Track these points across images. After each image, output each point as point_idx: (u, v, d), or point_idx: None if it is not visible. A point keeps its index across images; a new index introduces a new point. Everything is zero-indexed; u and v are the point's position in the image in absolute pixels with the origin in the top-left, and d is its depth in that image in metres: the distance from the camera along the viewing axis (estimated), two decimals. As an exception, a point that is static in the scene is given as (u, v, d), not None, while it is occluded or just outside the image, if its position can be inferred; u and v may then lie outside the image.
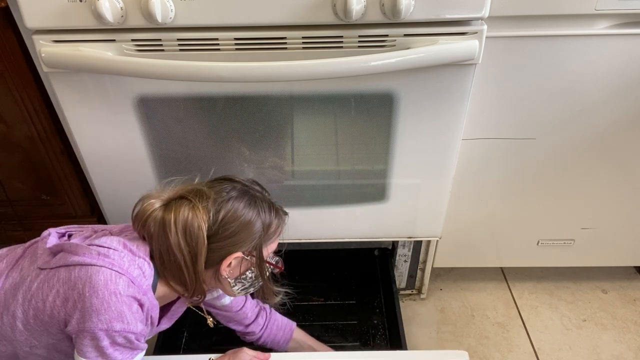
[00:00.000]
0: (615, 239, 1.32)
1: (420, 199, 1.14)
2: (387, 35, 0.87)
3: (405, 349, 1.17)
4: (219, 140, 1.04)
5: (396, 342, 1.20)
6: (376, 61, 0.86)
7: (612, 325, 1.39)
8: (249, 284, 0.90)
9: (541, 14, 0.92)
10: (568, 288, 1.50)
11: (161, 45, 0.88)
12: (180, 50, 0.88)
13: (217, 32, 0.86)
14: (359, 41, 0.87)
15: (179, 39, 0.87)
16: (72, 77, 0.93)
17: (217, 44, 0.87)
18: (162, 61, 0.86)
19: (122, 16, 0.83)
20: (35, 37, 0.87)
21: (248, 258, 0.85)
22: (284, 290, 0.98)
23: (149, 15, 0.81)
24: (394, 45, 0.88)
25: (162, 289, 0.84)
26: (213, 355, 1.01)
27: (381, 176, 1.10)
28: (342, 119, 1.01)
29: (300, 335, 1.17)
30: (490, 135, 1.11)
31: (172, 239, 0.78)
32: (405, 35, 0.87)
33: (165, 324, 0.93)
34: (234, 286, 0.88)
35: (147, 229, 0.80)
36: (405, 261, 1.41)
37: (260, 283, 0.92)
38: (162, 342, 1.22)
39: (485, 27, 0.87)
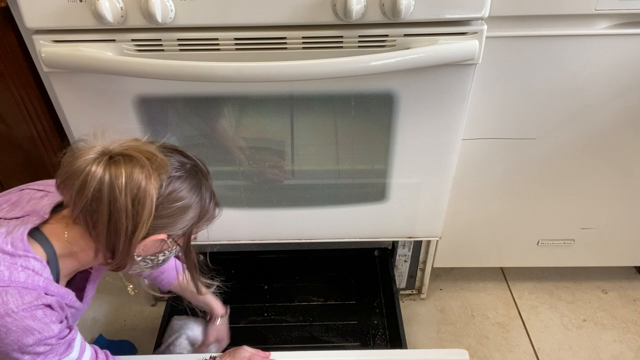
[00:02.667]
0: (615, 239, 1.32)
1: (420, 198, 1.14)
2: (387, 35, 0.87)
3: (406, 348, 1.17)
4: (218, 140, 1.04)
5: (396, 342, 1.20)
6: (376, 61, 0.86)
7: (612, 325, 1.39)
8: (154, 265, 0.81)
9: (541, 14, 0.92)
10: (568, 288, 1.50)
11: (161, 45, 0.88)
12: (180, 50, 0.88)
13: (217, 32, 0.86)
14: (359, 41, 0.87)
15: (179, 39, 0.87)
16: (72, 77, 0.93)
17: (217, 44, 0.87)
18: (162, 61, 0.86)
19: (122, 16, 0.83)
20: (35, 37, 0.87)
21: (169, 242, 0.76)
22: (212, 282, 0.91)
23: (149, 15, 0.81)
24: (394, 45, 0.88)
25: (70, 264, 0.75)
26: (213, 354, 1.01)
27: (381, 176, 1.10)
28: (342, 119, 1.01)
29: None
30: (490, 135, 1.11)
31: (121, 202, 0.66)
32: (405, 35, 0.87)
33: (92, 289, 0.85)
34: (141, 262, 0.78)
35: (81, 188, 0.67)
36: (405, 261, 1.41)
37: (182, 260, 0.85)
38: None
39: (485, 27, 0.87)
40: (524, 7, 0.91)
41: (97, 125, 0.74)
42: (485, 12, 0.85)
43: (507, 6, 0.90)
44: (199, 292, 0.90)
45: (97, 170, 0.66)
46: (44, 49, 0.87)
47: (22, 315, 0.66)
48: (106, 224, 0.68)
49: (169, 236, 0.75)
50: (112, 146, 0.70)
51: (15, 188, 0.81)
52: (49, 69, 0.90)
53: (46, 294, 0.69)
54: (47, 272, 0.70)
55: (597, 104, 1.05)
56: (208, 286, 0.91)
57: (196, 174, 0.76)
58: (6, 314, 0.65)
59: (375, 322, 1.31)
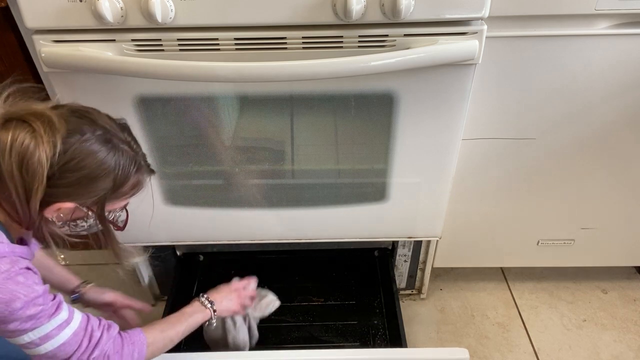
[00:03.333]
0: (615, 239, 1.32)
1: (420, 198, 1.14)
2: (387, 35, 0.87)
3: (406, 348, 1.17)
4: (218, 139, 1.04)
5: (396, 342, 1.20)
6: (376, 61, 0.86)
7: (612, 325, 1.39)
8: (81, 230, 0.78)
9: (541, 14, 0.92)
10: (568, 288, 1.50)
11: (161, 45, 0.88)
12: (180, 50, 0.88)
13: (217, 32, 0.86)
14: (359, 41, 0.87)
15: (179, 39, 0.87)
16: (72, 77, 0.93)
17: (217, 44, 0.87)
18: (162, 61, 0.86)
19: (122, 16, 0.83)
20: (35, 37, 0.87)
21: (84, 210, 0.74)
22: (134, 249, 0.86)
23: (149, 15, 0.81)
24: (394, 45, 0.88)
25: (14, 227, 0.73)
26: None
27: (381, 176, 1.10)
28: (342, 118, 1.01)
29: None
30: (490, 135, 1.11)
31: (5, 166, 0.65)
32: (405, 35, 0.87)
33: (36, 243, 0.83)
34: (61, 227, 0.76)
35: None
36: (405, 261, 1.41)
37: (98, 229, 0.79)
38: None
39: (485, 27, 0.87)
40: (524, 7, 0.91)
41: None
42: (485, 12, 0.85)
43: (507, 6, 0.90)
44: (119, 260, 0.84)
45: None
46: (44, 49, 0.87)
47: (4, 284, 0.66)
48: None
49: (79, 204, 0.72)
50: (11, 110, 0.68)
51: None
52: (49, 69, 0.90)
53: (20, 257, 0.69)
54: (3, 237, 0.70)
55: (597, 104, 1.05)
56: (129, 254, 0.86)
57: (107, 141, 0.72)
58: None
59: (375, 322, 1.31)
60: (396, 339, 1.21)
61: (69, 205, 0.71)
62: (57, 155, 0.66)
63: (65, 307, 0.75)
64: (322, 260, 1.47)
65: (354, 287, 1.41)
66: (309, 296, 1.38)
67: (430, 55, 0.87)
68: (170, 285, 1.36)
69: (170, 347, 0.89)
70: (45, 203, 0.69)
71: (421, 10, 0.83)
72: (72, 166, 0.69)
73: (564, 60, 0.98)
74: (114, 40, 0.87)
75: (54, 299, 0.73)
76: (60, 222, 0.74)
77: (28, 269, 0.70)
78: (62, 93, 0.95)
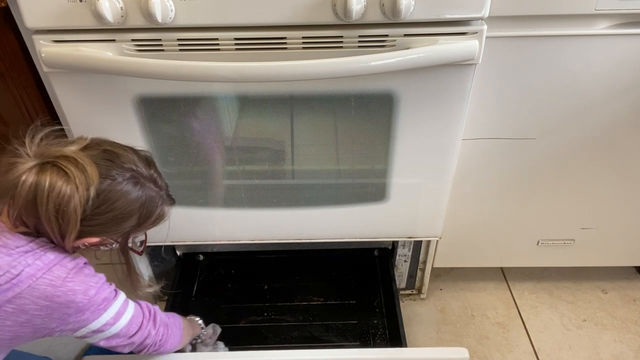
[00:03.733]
0: (615, 239, 1.32)
1: (420, 199, 1.14)
2: (387, 35, 0.87)
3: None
4: (218, 139, 1.04)
5: (396, 341, 1.20)
6: (376, 61, 0.86)
7: (612, 325, 1.39)
8: (104, 251, 0.85)
9: (541, 14, 0.92)
10: (568, 288, 1.50)
11: (161, 45, 0.88)
12: (180, 50, 0.88)
13: (217, 32, 0.86)
14: (359, 41, 0.87)
15: (179, 39, 0.87)
16: (72, 77, 0.93)
17: (217, 44, 0.87)
18: (162, 61, 0.86)
19: (122, 16, 0.83)
20: (35, 37, 0.87)
21: (110, 241, 0.81)
22: (150, 281, 0.95)
23: (149, 15, 0.81)
24: (394, 45, 0.88)
25: None
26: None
27: (381, 176, 1.10)
28: (342, 118, 1.01)
29: None
30: (490, 135, 1.11)
31: (42, 212, 0.70)
32: (405, 35, 0.87)
33: None
34: (84, 250, 0.82)
35: (16, 196, 0.70)
36: (405, 261, 1.41)
37: (119, 256, 0.87)
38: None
39: (485, 27, 0.87)
40: (524, 7, 0.91)
41: (37, 129, 0.76)
42: (485, 12, 0.85)
43: (507, 6, 0.90)
44: (134, 289, 0.91)
45: (28, 178, 0.69)
46: (44, 49, 0.87)
47: (76, 276, 0.75)
48: (35, 228, 0.73)
49: (106, 238, 0.79)
50: (46, 153, 0.72)
51: None
52: (49, 69, 0.90)
53: (66, 261, 0.76)
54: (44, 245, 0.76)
55: (597, 104, 1.05)
56: (147, 286, 0.95)
57: (136, 183, 0.77)
58: (66, 281, 0.73)
59: (375, 321, 1.31)
60: (396, 338, 1.21)
61: (96, 239, 0.78)
62: (90, 201, 0.72)
63: (120, 291, 0.84)
64: (322, 260, 1.47)
65: (354, 287, 1.41)
66: (309, 296, 1.38)
67: (430, 55, 0.87)
68: (170, 285, 1.36)
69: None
70: (76, 238, 0.75)
71: (421, 10, 0.83)
72: (102, 210, 0.74)
73: (564, 60, 0.98)
74: (114, 40, 0.87)
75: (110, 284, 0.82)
76: (84, 248, 0.81)
77: (85, 263, 0.79)
78: (62, 93, 0.95)
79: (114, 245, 0.82)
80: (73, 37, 0.87)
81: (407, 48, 0.87)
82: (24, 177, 0.69)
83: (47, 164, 0.71)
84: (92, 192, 0.71)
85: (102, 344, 0.83)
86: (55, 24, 0.84)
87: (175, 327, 0.96)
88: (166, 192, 0.84)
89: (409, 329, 1.36)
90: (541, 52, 0.97)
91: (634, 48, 0.97)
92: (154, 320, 0.90)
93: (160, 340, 0.91)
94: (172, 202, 0.86)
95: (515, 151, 1.13)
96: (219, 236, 1.22)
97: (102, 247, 0.82)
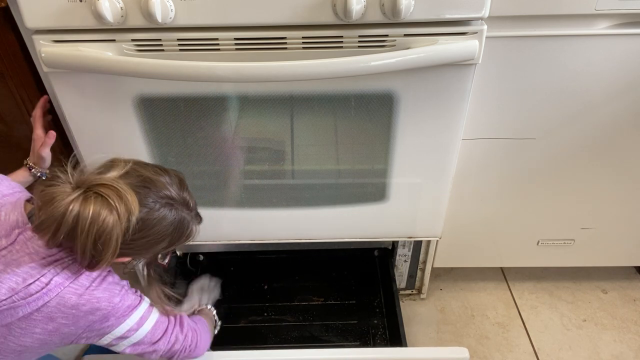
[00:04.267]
0: (615, 239, 1.32)
1: (420, 199, 1.14)
2: (387, 35, 0.87)
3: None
4: (218, 140, 1.04)
5: (396, 341, 1.20)
6: (376, 61, 0.86)
7: (612, 325, 1.39)
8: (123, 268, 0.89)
9: (541, 14, 0.92)
10: (568, 288, 1.50)
11: (161, 45, 0.88)
12: (180, 50, 0.88)
13: (217, 32, 0.86)
14: (359, 41, 0.87)
15: (179, 39, 0.87)
16: (72, 77, 0.93)
17: (217, 44, 0.87)
18: (162, 61, 0.86)
19: (122, 16, 0.83)
20: (35, 37, 0.87)
21: (139, 258, 0.84)
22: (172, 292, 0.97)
23: (149, 15, 0.81)
24: (394, 45, 0.88)
25: None
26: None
27: (381, 176, 1.10)
28: (342, 118, 1.01)
29: None
30: (490, 135, 1.11)
31: (81, 239, 0.69)
32: (405, 35, 0.87)
33: None
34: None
35: (57, 225, 0.69)
36: (405, 261, 1.41)
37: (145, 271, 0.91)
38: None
39: (485, 27, 0.87)
40: (524, 7, 0.91)
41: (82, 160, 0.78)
42: (485, 12, 0.85)
43: (507, 6, 0.90)
44: (155, 302, 0.91)
45: (73, 208, 0.68)
46: (44, 49, 0.87)
47: (100, 285, 0.76)
48: (70, 251, 0.74)
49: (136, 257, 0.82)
50: (88, 181, 0.71)
51: None
52: (49, 69, 0.90)
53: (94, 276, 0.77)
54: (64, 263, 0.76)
55: (597, 104, 1.05)
56: (169, 298, 0.96)
57: (170, 208, 0.78)
58: (90, 289, 0.75)
59: (375, 321, 1.31)
60: (396, 338, 1.21)
61: (127, 259, 0.80)
62: (130, 230, 0.72)
63: (144, 302, 0.84)
64: (322, 260, 1.47)
65: (354, 287, 1.41)
66: (309, 296, 1.38)
67: (430, 55, 0.87)
68: (170, 285, 1.36)
69: None
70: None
71: (421, 10, 0.83)
72: (139, 236, 0.75)
73: (564, 60, 0.98)
74: (114, 40, 0.87)
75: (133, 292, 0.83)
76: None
77: (109, 271, 0.80)
78: (62, 93, 0.95)
79: (141, 262, 0.85)
80: (73, 37, 0.87)
81: (407, 48, 0.87)
82: (69, 207, 0.68)
83: (90, 192, 0.70)
84: (133, 220, 0.72)
85: (129, 351, 0.84)
86: (55, 24, 0.84)
87: (204, 331, 0.96)
88: (195, 212, 0.86)
89: (409, 329, 1.36)
90: (541, 52, 0.97)
91: (634, 48, 0.97)
92: (181, 326, 0.90)
93: (189, 346, 0.91)
94: (200, 220, 0.87)
95: (515, 151, 1.13)
96: (219, 236, 1.22)
97: (129, 265, 0.84)
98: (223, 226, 1.19)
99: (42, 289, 0.72)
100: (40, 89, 1.01)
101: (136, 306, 0.82)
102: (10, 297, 0.71)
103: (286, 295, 1.39)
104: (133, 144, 1.02)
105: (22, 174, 0.96)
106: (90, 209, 0.68)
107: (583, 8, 0.91)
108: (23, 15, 0.83)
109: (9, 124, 1.06)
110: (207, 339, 0.97)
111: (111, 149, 1.03)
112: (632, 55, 0.98)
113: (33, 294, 0.72)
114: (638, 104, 1.06)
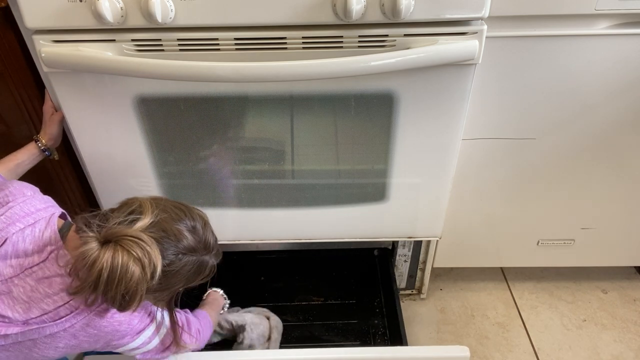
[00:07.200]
0: (615, 239, 1.32)
1: (420, 199, 1.14)
2: (387, 35, 0.87)
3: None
4: (218, 140, 1.04)
5: (397, 341, 1.20)
6: (376, 61, 0.86)
7: (612, 325, 1.39)
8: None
9: (541, 14, 0.92)
10: (568, 288, 1.50)
11: (161, 45, 0.88)
12: (180, 50, 0.88)
13: (217, 32, 0.86)
14: (359, 41, 0.87)
15: (179, 39, 0.87)
16: (72, 77, 0.93)
17: (217, 44, 0.87)
18: (162, 61, 0.86)
19: (122, 16, 0.83)
20: (35, 37, 0.87)
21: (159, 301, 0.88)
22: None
23: (149, 15, 0.81)
24: (394, 45, 0.88)
25: None
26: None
27: (381, 176, 1.10)
28: (342, 118, 1.01)
29: None
30: (490, 135, 1.11)
31: (111, 292, 0.72)
32: (405, 35, 0.87)
33: None
34: None
35: (88, 274, 0.71)
36: (405, 261, 1.41)
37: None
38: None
39: (485, 27, 0.87)
40: (524, 7, 0.91)
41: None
42: (485, 12, 0.85)
43: (507, 6, 0.90)
44: (176, 341, 0.94)
45: (101, 260, 0.70)
46: (44, 49, 0.87)
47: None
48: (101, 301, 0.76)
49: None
50: (116, 234, 0.73)
51: None
52: (49, 69, 0.90)
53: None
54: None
55: (597, 104, 1.05)
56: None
57: (192, 254, 0.81)
58: (112, 313, 0.79)
59: (376, 321, 1.31)
60: (397, 338, 1.21)
61: (146, 302, 0.84)
62: (154, 280, 0.74)
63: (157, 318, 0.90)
64: (322, 260, 1.47)
65: (354, 287, 1.41)
66: (309, 295, 1.38)
67: (430, 55, 0.87)
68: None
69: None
70: None
71: (421, 10, 0.83)
72: (161, 283, 0.77)
73: (564, 60, 0.98)
74: (114, 40, 0.87)
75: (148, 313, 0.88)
76: None
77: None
78: (62, 93, 0.95)
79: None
80: (73, 37, 0.87)
81: (407, 48, 0.87)
82: (98, 260, 0.70)
83: (117, 245, 0.72)
84: (158, 271, 0.74)
85: (139, 357, 0.89)
86: (55, 24, 0.84)
87: (207, 327, 1.04)
88: (216, 250, 0.88)
89: (409, 329, 1.36)
90: (541, 52, 0.97)
91: (634, 48, 0.97)
92: (189, 329, 0.96)
93: (196, 342, 0.98)
94: (219, 257, 0.89)
95: (515, 151, 1.13)
96: (218, 236, 1.21)
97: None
98: (223, 226, 1.19)
99: (72, 312, 0.76)
100: (40, 89, 1.01)
101: (150, 322, 0.87)
102: (41, 316, 0.75)
103: (286, 295, 1.38)
104: (133, 144, 1.02)
105: (30, 149, 1.00)
106: (119, 262, 0.70)
107: (583, 8, 0.91)
108: (23, 15, 0.83)
109: (9, 124, 1.06)
110: (209, 332, 1.05)
111: (112, 149, 1.03)
112: (632, 55, 0.98)
113: (62, 317, 0.76)
114: (638, 104, 1.06)
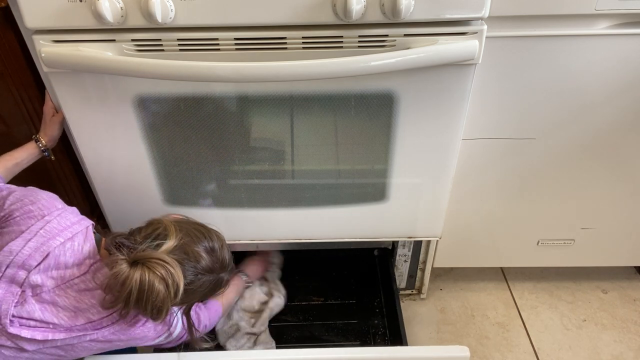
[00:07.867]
0: (615, 239, 1.32)
1: (420, 198, 1.14)
2: (387, 35, 0.87)
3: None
4: (218, 140, 1.04)
5: (397, 341, 1.20)
6: (376, 61, 0.86)
7: (612, 325, 1.39)
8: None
9: (541, 14, 0.92)
10: (568, 288, 1.50)
11: (161, 45, 0.88)
12: (180, 50, 0.88)
13: (217, 32, 0.86)
14: (359, 41, 0.87)
15: (179, 39, 0.87)
16: (72, 77, 0.93)
17: (217, 44, 0.87)
18: (162, 61, 0.86)
19: (122, 16, 0.83)
20: (35, 37, 0.87)
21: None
22: (208, 339, 1.08)
23: (149, 15, 0.81)
24: (394, 45, 0.88)
25: None
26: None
27: (381, 176, 1.10)
28: (342, 119, 1.01)
29: None
30: (490, 135, 1.11)
31: (143, 311, 0.81)
32: (405, 35, 0.87)
33: None
34: None
35: (119, 292, 0.80)
36: (405, 261, 1.41)
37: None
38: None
39: (485, 27, 0.87)
40: (524, 7, 0.91)
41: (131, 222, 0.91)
42: (485, 12, 0.85)
43: (507, 6, 0.90)
44: (193, 344, 1.04)
45: (131, 277, 0.78)
46: (44, 49, 0.87)
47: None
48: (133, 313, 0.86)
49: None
50: (144, 257, 0.81)
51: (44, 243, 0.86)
52: (49, 69, 0.90)
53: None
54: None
55: (597, 104, 1.05)
56: (204, 341, 1.07)
57: (210, 273, 0.90)
58: (144, 322, 0.90)
59: (376, 321, 1.31)
60: (397, 338, 1.21)
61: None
62: (179, 298, 0.83)
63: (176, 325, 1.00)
64: (322, 260, 1.47)
65: (354, 287, 1.41)
66: (309, 295, 1.38)
67: (430, 55, 0.87)
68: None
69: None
70: None
71: (421, 10, 0.83)
72: (182, 298, 0.85)
73: (564, 60, 0.98)
74: (114, 40, 0.87)
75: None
76: None
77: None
78: (62, 93, 0.95)
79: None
80: (73, 37, 0.87)
81: (407, 48, 0.87)
82: (128, 279, 0.78)
83: (144, 267, 0.80)
84: (181, 290, 0.82)
85: (155, 345, 1.00)
86: (55, 24, 0.84)
87: (215, 318, 1.13)
88: (231, 267, 0.96)
89: (409, 329, 1.36)
90: (541, 52, 0.97)
91: (634, 48, 0.97)
92: (198, 326, 1.06)
93: (205, 329, 1.09)
94: (233, 271, 0.99)
95: (515, 151, 1.13)
96: (219, 236, 1.22)
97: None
98: (223, 226, 1.19)
99: (113, 323, 0.86)
100: (40, 89, 1.01)
101: (171, 325, 0.96)
102: (85, 324, 0.84)
103: (286, 295, 1.39)
104: (133, 143, 1.02)
105: (29, 149, 1.02)
106: (146, 283, 0.78)
107: (583, 8, 0.91)
108: (23, 15, 0.83)
109: (9, 124, 1.06)
110: (216, 321, 1.15)
111: (112, 149, 1.03)
112: (632, 55, 0.98)
113: (105, 327, 0.85)
114: (638, 104, 1.06)
